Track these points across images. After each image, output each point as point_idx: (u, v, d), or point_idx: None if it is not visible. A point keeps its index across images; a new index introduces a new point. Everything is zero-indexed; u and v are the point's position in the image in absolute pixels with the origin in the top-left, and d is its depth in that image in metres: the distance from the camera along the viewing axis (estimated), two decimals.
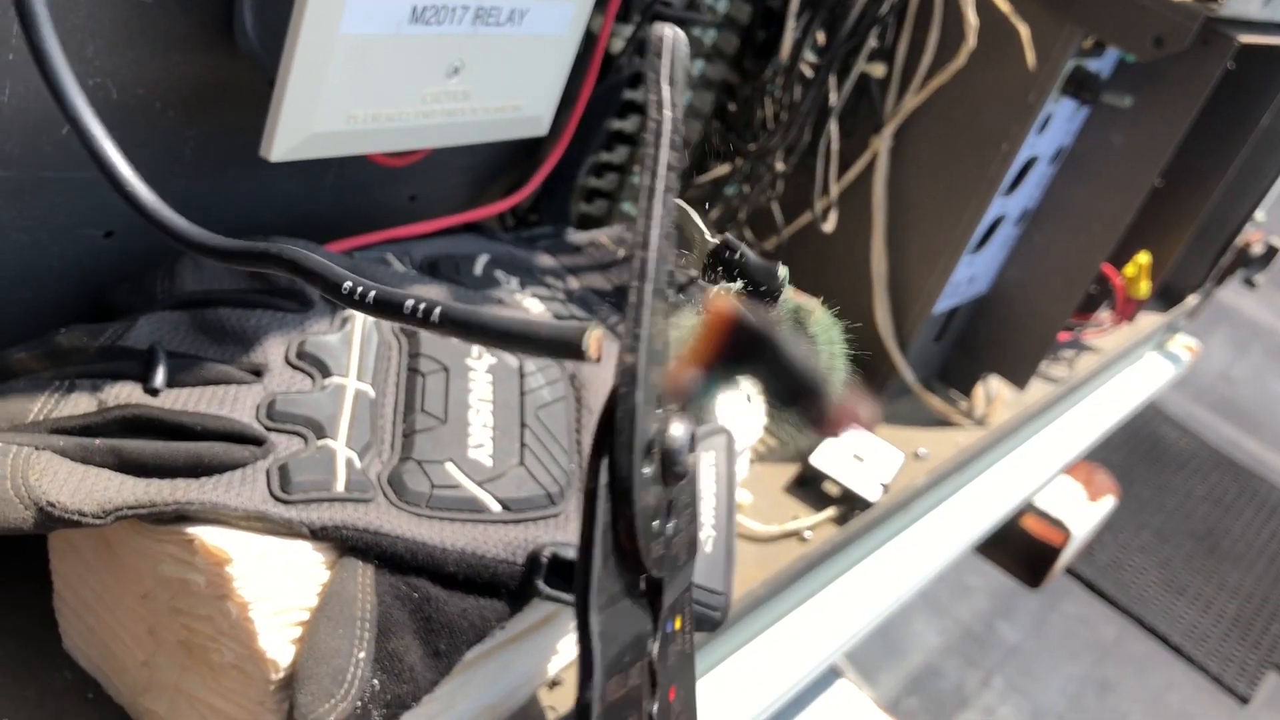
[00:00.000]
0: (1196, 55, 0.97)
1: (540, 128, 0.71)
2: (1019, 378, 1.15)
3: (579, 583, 0.35)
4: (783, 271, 0.54)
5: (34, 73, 0.51)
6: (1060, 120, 1.01)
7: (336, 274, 0.41)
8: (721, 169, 0.94)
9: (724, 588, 0.58)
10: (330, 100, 0.56)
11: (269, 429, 0.52)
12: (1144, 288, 1.31)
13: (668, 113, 0.39)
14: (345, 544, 0.49)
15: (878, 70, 0.95)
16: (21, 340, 0.55)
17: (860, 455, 0.94)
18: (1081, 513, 1.50)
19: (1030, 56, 0.92)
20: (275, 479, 0.49)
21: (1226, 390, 3.82)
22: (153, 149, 0.59)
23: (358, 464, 0.52)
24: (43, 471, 0.46)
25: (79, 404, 0.50)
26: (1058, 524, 1.46)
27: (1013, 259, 1.12)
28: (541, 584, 0.52)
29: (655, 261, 0.36)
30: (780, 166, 0.92)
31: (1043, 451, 1.28)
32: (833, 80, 0.89)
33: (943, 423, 1.11)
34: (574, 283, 0.73)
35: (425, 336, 0.60)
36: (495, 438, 0.56)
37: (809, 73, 0.88)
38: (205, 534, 0.47)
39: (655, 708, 0.38)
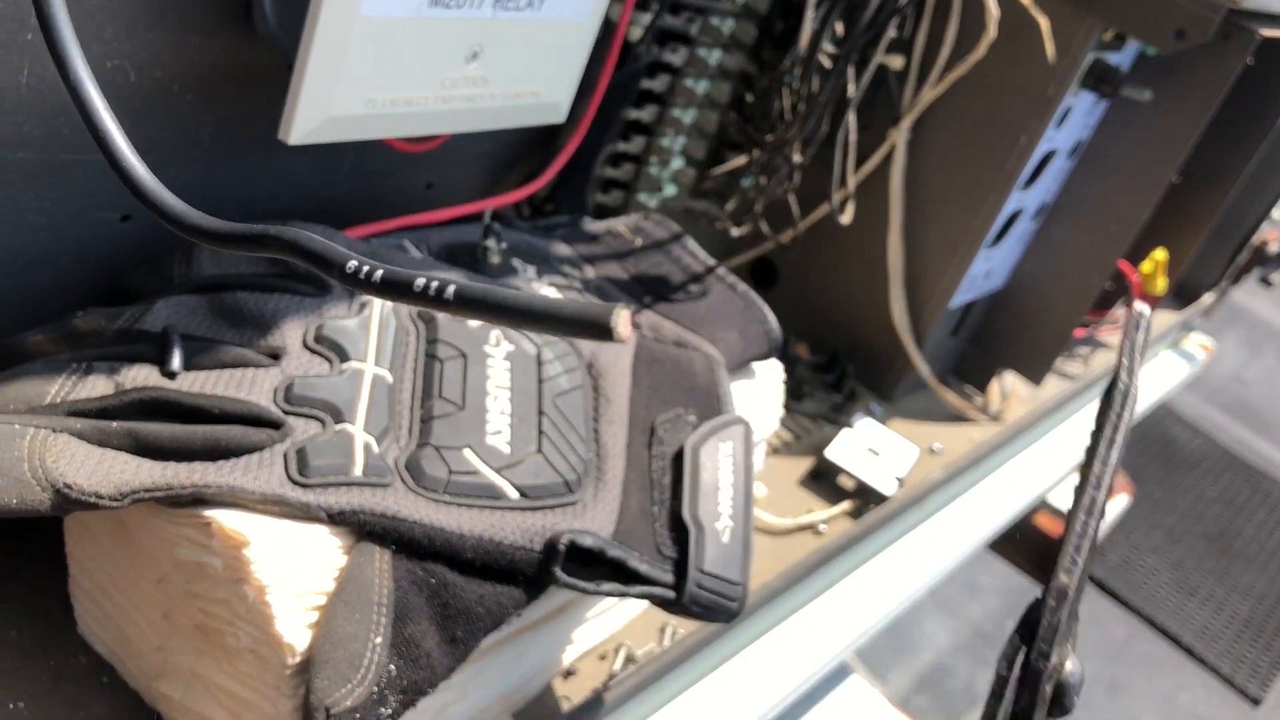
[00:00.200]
0: (1217, 49, 0.96)
1: (558, 115, 0.70)
2: (1035, 374, 1.14)
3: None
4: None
5: None
6: (1079, 114, 1.00)
7: (339, 254, 0.40)
8: (738, 161, 0.94)
9: (741, 578, 0.57)
10: (349, 83, 0.55)
11: (287, 412, 0.51)
12: (1160, 284, 1.30)
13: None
14: (363, 529, 0.49)
15: (896, 62, 0.94)
16: (38, 323, 0.55)
17: (875, 449, 0.94)
18: None
19: (1050, 49, 0.91)
20: (293, 462, 0.49)
21: (1240, 392, 3.81)
22: (171, 132, 0.59)
23: (375, 449, 0.52)
24: (60, 453, 0.46)
25: (96, 386, 0.50)
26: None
27: (1029, 254, 1.12)
28: (559, 571, 0.51)
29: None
30: (797, 158, 0.92)
31: (1057, 448, 1.27)
32: (851, 71, 0.88)
33: (958, 418, 1.10)
34: (590, 272, 0.73)
35: (443, 322, 0.59)
36: (513, 425, 0.56)
37: (827, 64, 0.87)
38: (222, 517, 0.46)
39: None
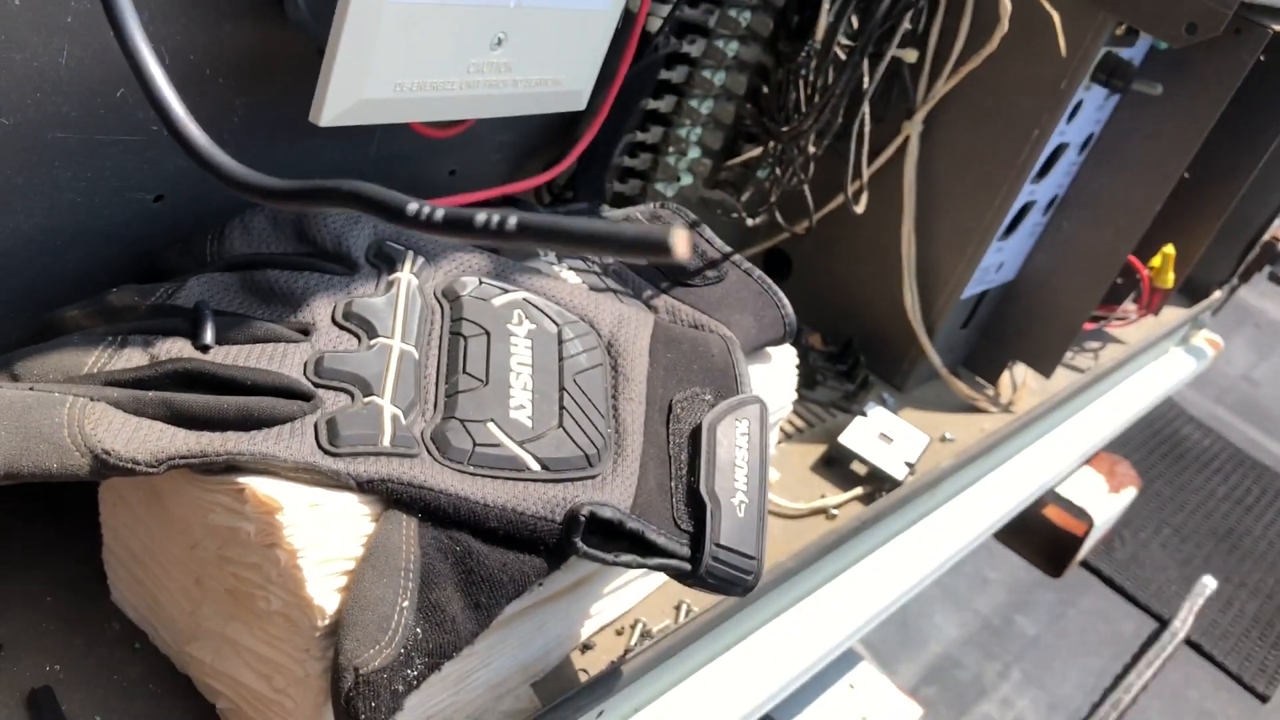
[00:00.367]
0: (1229, 44, 0.97)
1: (579, 102, 0.72)
2: (1045, 366, 1.15)
3: None
4: None
5: (92, 36, 0.52)
6: (1090, 108, 1.01)
7: (399, 199, 0.42)
8: (753, 152, 0.95)
9: (756, 552, 0.59)
10: (379, 67, 0.57)
11: (316, 385, 0.53)
12: (1170, 278, 1.32)
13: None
14: (390, 497, 0.50)
15: (910, 55, 0.96)
16: (73, 301, 0.56)
17: (888, 435, 0.95)
18: (1104, 503, 1.50)
19: (1062, 43, 0.92)
20: (323, 432, 0.50)
21: (1248, 391, 3.81)
22: (202, 116, 0.59)
23: (403, 421, 0.53)
24: (98, 421, 0.47)
25: (131, 358, 0.51)
26: (1080, 513, 1.47)
27: (1040, 247, 1.13)
28: (579, 541, 0.53)
29: None
30: (812, 149, 0.93)
31: (1067, 440, 1.29)
32: (865, 64, 0.90)
33: (969, 408, 1.11)
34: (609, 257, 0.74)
35: (467, 302, 0.61)
36: (535, 400, 0.58)
37: (843, 56, 0.89)
38: (255, 483, 0.48)
39: None
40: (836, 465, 0.94)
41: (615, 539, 0.55)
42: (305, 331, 0.56)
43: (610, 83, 0.76)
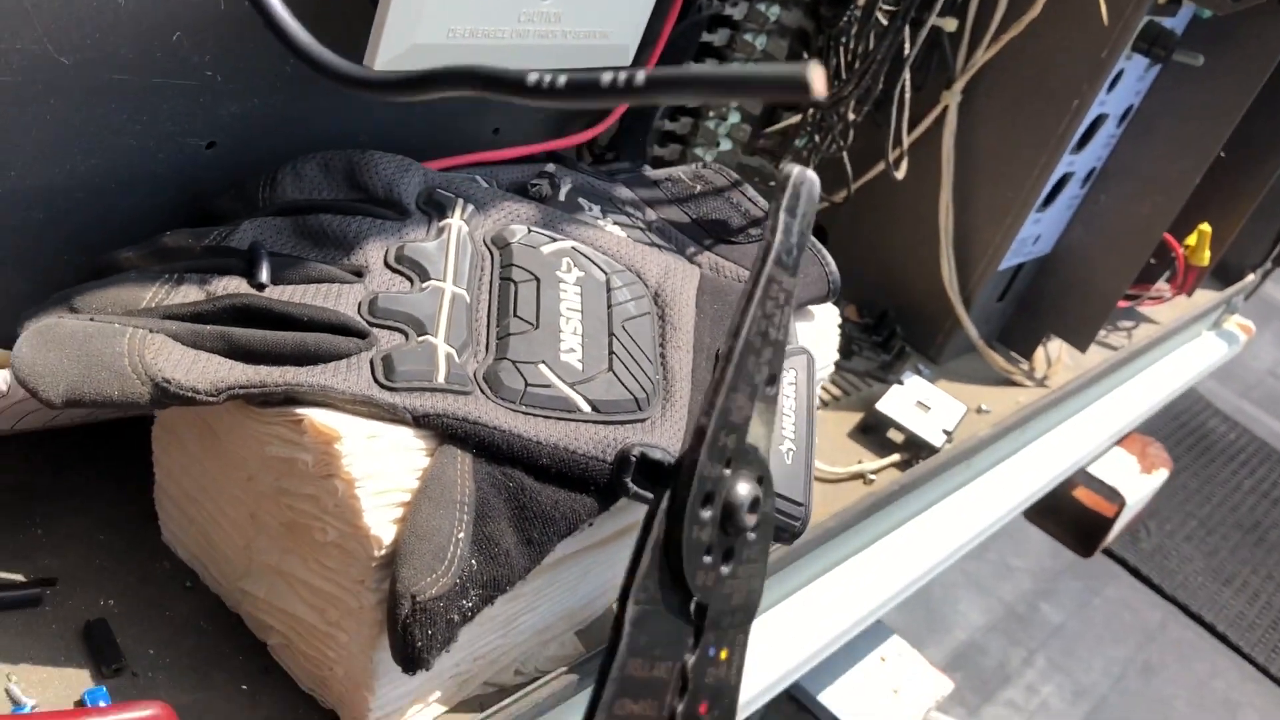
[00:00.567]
0: (1273, 13, 0.97)
1: (625, 57, 0.72)
2: (1081, 340, 1.15)
3: (625, 579, 0.40)
4: None
5: None
6: (1131, 78, 1.01)
7: (518, 73, 0.42)
8: (792, 119, 0.95)
9: (804, 499, 0.59)
10: (432, 13, 0.57)
11: (371, 324, 0.53)
12: (1205, 256, 1.31)
13: (779, 236, 0.44)
14: (445, 432, 0.51)
15: (949, 24, 0.95)
16: (126, 245, 0.57)
17: (925, 404, 0.95)
18: (1135, 483, 1.50)
19: (1104, 11, 0.92)
20: (379, 368, 0.51)
21: (1275, 386, 3.79)
22: (258, 61, 0.60)
23: (456, 359, 0.54)
24: (158, 351, 0.48)
25: (188, 294, 0.52)
26: (1112, 493, 1.46)
27: (1077, 220, 1.13)
28: (630, 482, 0.53)
29: (740, 350, 0.42)
30: (852, 116, 0.93)
31: (1101, 417, 1.28)
32: (907, 30, 0.89)
33: (1003, 381, 1.11)
34: (652, 214, 0.74)
35: (517, 248, 0.61)
36: (585, 344, 0.58)
37: (884, 21, 0.88)
38: (314, 414, 0.48)
39: (681, 708, 0.43)
40: (873, 432, 0.94)
41: (664, 482, 0.55)
42: (358, 274, 0.56)
43: (655, 41, 0.76)
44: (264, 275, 0.53)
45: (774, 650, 0.80)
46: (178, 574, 0.59)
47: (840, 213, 1.08)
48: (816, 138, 0.96)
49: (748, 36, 0.87)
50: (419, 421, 0.50)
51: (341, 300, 0.54)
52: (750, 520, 0.44)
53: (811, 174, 0.45)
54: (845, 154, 0.97)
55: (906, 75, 0.92)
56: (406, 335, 0.54)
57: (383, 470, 0.49)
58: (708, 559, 0.43)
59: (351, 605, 0.50)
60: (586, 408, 0.55)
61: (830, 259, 0.75)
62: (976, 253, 1.04)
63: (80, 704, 0.50)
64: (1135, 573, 2.63)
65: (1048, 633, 2.31)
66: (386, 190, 0.61)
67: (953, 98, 0.99)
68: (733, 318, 0.42)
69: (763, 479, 0.45)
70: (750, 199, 0.77)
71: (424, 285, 0.57)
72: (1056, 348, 1.18)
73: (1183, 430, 3.25)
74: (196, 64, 0.58)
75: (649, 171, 0.79)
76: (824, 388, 0.98)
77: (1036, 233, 1.07)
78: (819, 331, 0.75)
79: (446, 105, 0.72)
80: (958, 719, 1.89)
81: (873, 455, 0.92)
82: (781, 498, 0.58)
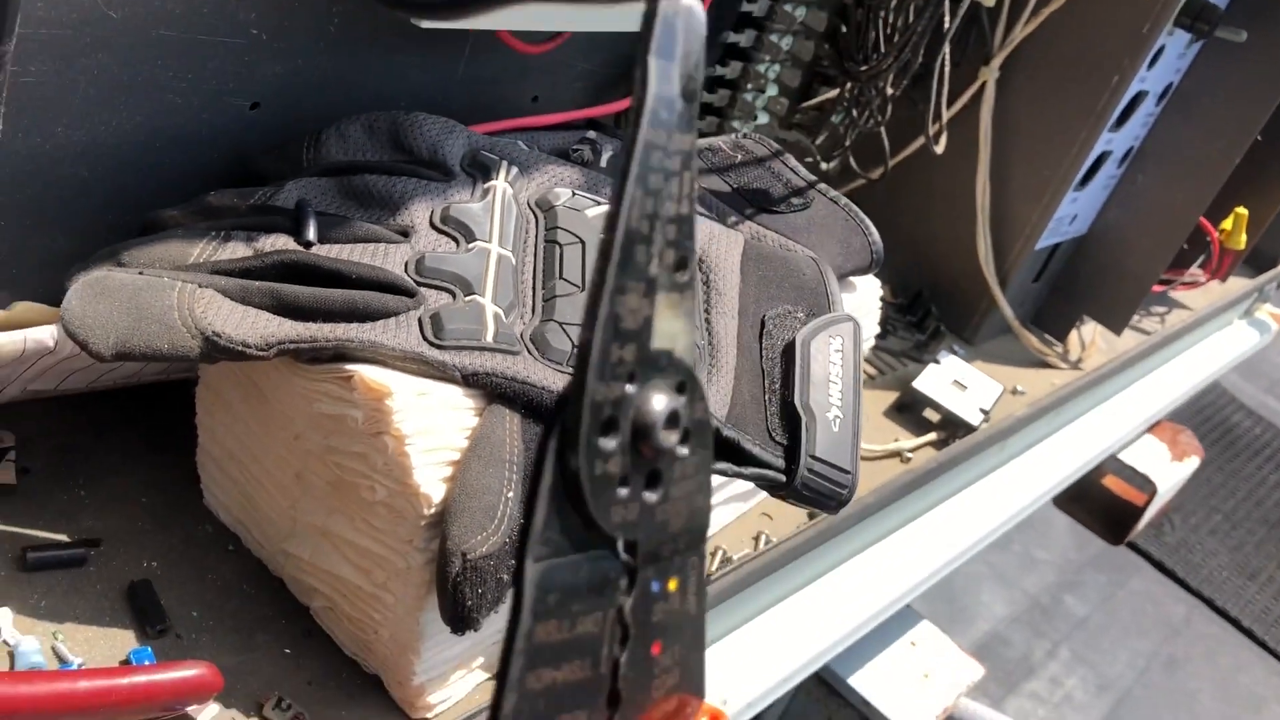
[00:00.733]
0: None
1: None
2: (1116, 323, 1.14)
3: (519, 536, 0.36)
4: None
5: None
6: (1172, 54, 1.00)
7: None
8: (829, 94, 0.94)
9: (851, 466, 0.58)
10: None
11: (419, 283, 0.53)
12: (1242, 240, 1.30)
13: (652, 89, 0.38)
14: (494, 391, 0.50)
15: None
16: (170, 204, 0.56)
17: (962, 382, 0.94)
18: (1166, 471, 1.48)
19: None
20: (428, 326, 0.50)
21: None
22: (303, 20, 0.60)
23: (504, 319, 0.53)
24: (207, 305, 0.47)
25: (236, 250, 0.51)
26: (1143, 480, 1.45)
27: (1114, 200, 1.11)
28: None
29: (621, 242, 0.37)
30: (890, 90, 0.92)
31: (1135, 401, 1.27)
32: (946, 4, 0.88)
33: (1038, 363, 1.10)
34: None
35: (561, 211, 0.60)
36: None
37: None
38: (365, 370, 0.48)
39: (625, 657, 0.40)
40: (909, 411, 0.94)
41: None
42: (404, 234, 0.56)
43: None
44: (311, 233, 0.53)
45: (806, 632, 0.79)
46: (220, 537, 0.58)
47: (875, 193, 1.07)
48: (854, 112, 0.95)
49: (787, 7, 0.86)
50: (468, 380, 0.50)
51: (388, 259, 0.53)
52: (670, 437, 0.38)
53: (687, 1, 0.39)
54: (883, 129, 0.96)
55: (946, 49, 0.91)
56: (454, 295, 0.53)
57: (432, 427, 0.48)
58: (623, 491, 0.37)
59: (399, 566, 0.50)
60: None
61: (873, 228, 0.75)
62: (1013, 232, 1.03)
63: (125, 663, 0.50)
64: (1160, 566, 2.61)
65: (1072, 625, 2.30)
66: (431, 151, 0.61)
67: (990, 74, 0.98)
68: (611, 203, 0.39)
69: (683, 385, 0.38)
70: (792, 168, 0.77)
71: (470, 246, 0.56)
72: (1090, 330, 1.16)
73: (1207, 424, 3.23)
74: (242, 21, 0.57)
75: None
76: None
77: (1073, 212, 1.06)
78: (860, 303, 0.74)
79: (486, 70, 0.72)
80: None
81: (908, 434, 0.91)
82: (828, 464, 0.57)
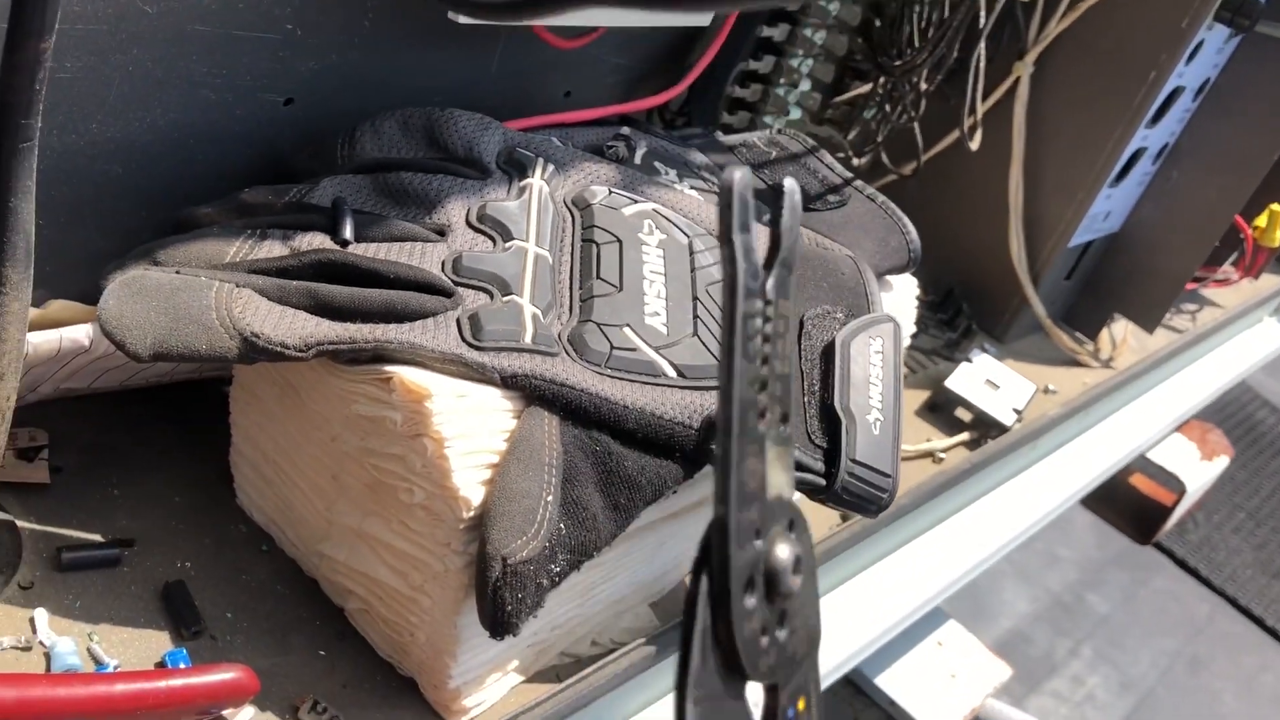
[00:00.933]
0: None
1: (703, 17, 0.70)
2: (1149, 321, 1.13)
3: (677, 678, 0.38)
4: None
5: None
6: (1210, 49, 0.98)
7: None
8: (861, 89, 0.93)
9: (891, 470, 0.57)
10: None
11: (456, 283, 0.52)
12: (1276, 237, 1.28)
13: (740, 264, 0.40)
14: (533, 393, 0.49)
15: None
16: (204, 201, 0.56)
17: (994, 382, 0.93)
18: (1195, 470, 1.47)
19: None
20: (466, 327, 0.50)
21: None
22: (337, 15, 0.59)
23: (542, 320, 0.52)
24: (245, 305, 0.47)
25: (272, 249, 0.51)
26: (1172, 480, 1.44)
27: (1148, 197, 1.10)
28: (716, 449, 0.52)
29: (737, 414, 0.39)
30: (924, 85, 0.91)
31: (1168, 399, 1.26)
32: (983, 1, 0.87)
33: (1069, 362, 1.09)
34: None
35: (598, 209, 0.60)
36: (669, 308, 0.56)
37: None
38: (404, 372, 0.47)
39: None
40: (941, 410, 0.93)
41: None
42: (441, 233, 0.55)
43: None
44: (348, 232, 0.52)
45: (837, 635, 0.78)
46: (254, 537, 0.58)
47: (906, 190, 1.06)
48: (887, 107, 0.94)
49: (821, 1, 0.85)
50: (507, 382, 0.49)
51: (425, 259, 0.53)
52: (796, 581, 0.41)
53: (746, 174, 0.40)
54: (916, 124, 0.94)
55: (982, 45, 0.90)
56: (491, 295, 0.52)
57: (471, 430, 0.47)
58: (765, 640, 0.40)
59: (436, 569, 0.49)
60: (672, 373, 0.54)
61: (911, 227, 0.74)
62: (1046, 229, 1.02)
63: (161, 665, 0.49)
64: (1183, 565, 2.59)
65: (1094, 623, 2.28)
66: (467, 149, 0.60)
67: (1025, 69, 0.97)
68: (720, 376, 0.40)
69: (793, 522, 0.43)
70: (827, 165, 0.76)
71: (507, 245, 0.55)
72: (1121, 329, 1.15)
73: (1230, 421, 3.20)
74: (277, 16, 0.57)
75: (722, 137, 0.78)
76: None
77: (1107, 209, 1.05)
78: (896, 302, 0.73)
79: (519, 65, 0.71)
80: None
81: (940, 433, 0.90)
82: (868, 468, 0.56)
